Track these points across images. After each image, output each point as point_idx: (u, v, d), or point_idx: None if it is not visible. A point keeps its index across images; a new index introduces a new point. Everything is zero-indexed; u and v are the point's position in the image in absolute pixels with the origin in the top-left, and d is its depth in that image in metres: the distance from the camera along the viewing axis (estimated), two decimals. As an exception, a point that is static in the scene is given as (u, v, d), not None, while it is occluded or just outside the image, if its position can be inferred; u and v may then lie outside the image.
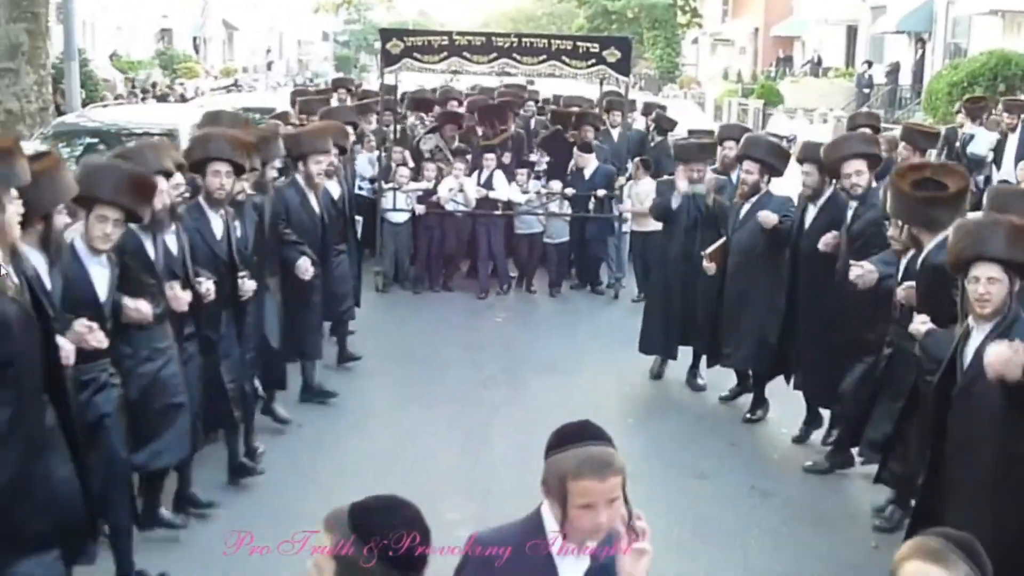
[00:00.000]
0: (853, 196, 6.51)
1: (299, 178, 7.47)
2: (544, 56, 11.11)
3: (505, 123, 12.61)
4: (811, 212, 6.93)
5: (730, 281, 7.56)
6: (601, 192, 11.26)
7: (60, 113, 14.91)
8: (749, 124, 24.95)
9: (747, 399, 7.75)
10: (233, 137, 6.12)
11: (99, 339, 4.44)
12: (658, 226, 8.73)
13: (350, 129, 9.58)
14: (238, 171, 5.98)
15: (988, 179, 11.42)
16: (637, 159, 11.37)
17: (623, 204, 11.26)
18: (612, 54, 11.11)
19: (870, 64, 30.94)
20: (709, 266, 7.53)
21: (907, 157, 8.08)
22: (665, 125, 12.95)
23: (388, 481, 5.15)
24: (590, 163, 11.31)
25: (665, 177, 9.66)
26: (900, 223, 5.65)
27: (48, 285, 4.27)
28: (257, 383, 6.66)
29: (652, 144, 12.76)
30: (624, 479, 2.56)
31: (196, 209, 5.86)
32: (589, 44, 11.58)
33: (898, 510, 5.79)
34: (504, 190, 11.24)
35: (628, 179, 11.27)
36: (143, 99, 23.16)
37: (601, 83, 12.94)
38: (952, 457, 4.49)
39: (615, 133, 12.47)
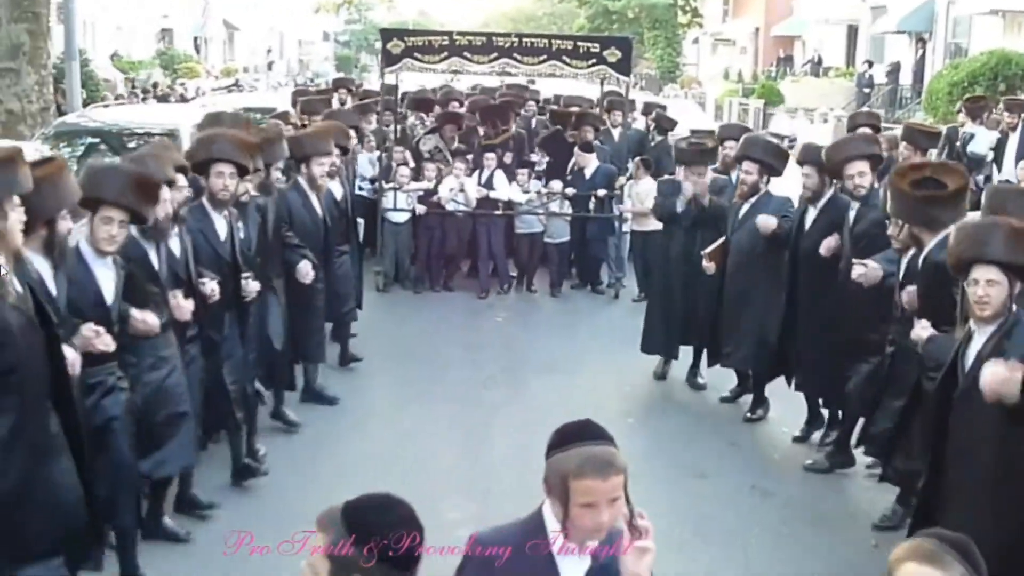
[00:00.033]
0: (856, 197, 6.51)
1: (302, 180, 7.46)
2: (545, 56, 11.12)
3: (507, 123, 12.61)
4: (811, 214, 6.93)
5: (730, 281, 7.56)
6: (602, 192, 11.26)
7: (61, 113, 14.93)
8: (750, 124, 24.94)
9: (748, 399, 7.75)
10: (237, 138, 6.12)
11: (106, 343, 4.45)
12: (658, 226, 8.74)
13: (352, 131, 9.59)
14: (242, 172, 5.98)
15: (988, 178, 11.43)
16: (637, 159, 11.37)
17: (623, 204, 11.27)
18: (613, 54, 11.12)
19: (871, 64, 30.92)
20: (708, 266, 7.53)
21: (908, 157, 8.08)
22: (665, 125, 12.96)
23: (388, 481, 5.13)
24: (591, 163, 11.31)
25: (666, 177, 9.67)
26: (900, 222, 5.66)
27: (53, 290, 4.28)
28: (259, 385, 6.66)
29: (652, 144, 12.77)
30: (626, 478, 2.56)
31: (199, 210, 5.87)
32: (590, 44, 11.58)
33: (901, 508, 5.79)
34: (505, 190, 11.24)
35: (628, 179, 11.28)
36: (144, 99, 23.16)
37: (602, 83, 12.94)
38: (953, 458, 4.49)
39: (616, 133, 12.47)
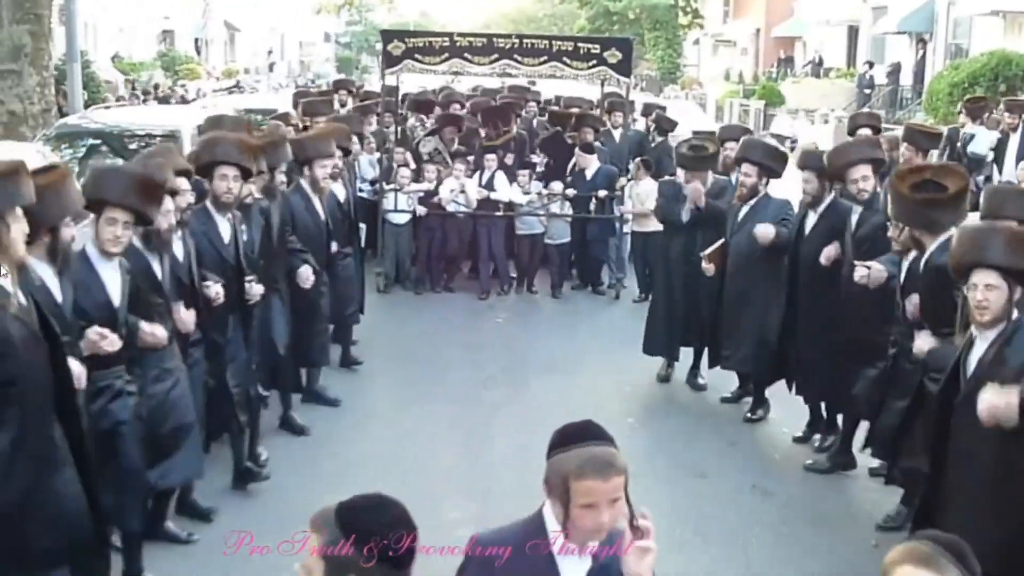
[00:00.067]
0: (859, 201, 6.51)
1: (304, 183, 7.46)
2: (545, 57, 11.13)
3: (507, 124, 12.62)
4: (811, 219, 6.92)
5: (729, 282, 7.56)
6: (602, 193, 11.27)
7: (62, 115, 14.96)
8: (750, 125, 24.94)
9: (749, 399, 7.76)
10: (240, 141, 6.13)
11: (112, 343, 4.45)
12: (659, 226, 8.74)
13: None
14: (245, 175, 5.99)
15: (989, 179, 11.45)
16: (638, 160, 11.37)
17: (624, 205, 11.28)
18: (613, 55, 11.13)
19: (871, 65, 30.92)
20: (708, 267, 7.53)
21: (909, 158, 8.10)
22: (665, 126, 12.96)
23: (389, 481, 5.16)
24: (591, 164, 11.31)
25: (667, 178, 9.66)
26: (900, 225, 5.66)
27: (58, 297, 4.28)
28: (262, 388, 6.66)
29: (653, 145, 12.77)
30: (626, 479, 2.57)
31: (203, 213, 5.87)
32: (590, 45, 11.59)
33: (905, 509, 5.78)
34: (505, 191, 11.25)
35: (629, 180, 11.28)
36: (145, 101, 23.19)
37: (602, 84, 12.94)
38: (954, 459, 4.49)
39: (616, 134, 12.47)
